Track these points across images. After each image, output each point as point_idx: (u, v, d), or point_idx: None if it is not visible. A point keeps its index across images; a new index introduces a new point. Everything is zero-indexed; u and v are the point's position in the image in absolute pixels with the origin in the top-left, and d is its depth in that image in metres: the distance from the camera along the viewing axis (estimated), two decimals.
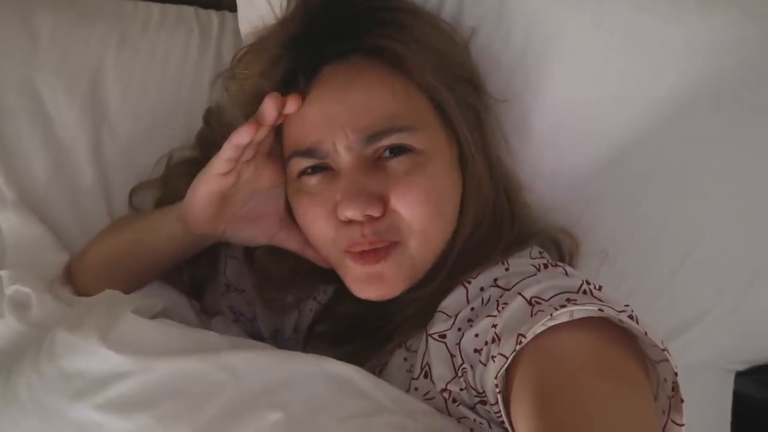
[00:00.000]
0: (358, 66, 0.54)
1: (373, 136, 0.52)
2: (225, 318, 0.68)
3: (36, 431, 0.47)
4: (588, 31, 0.62)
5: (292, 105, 0.52)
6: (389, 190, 0.53)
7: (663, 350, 0.43)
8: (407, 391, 0.54)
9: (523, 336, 0.43)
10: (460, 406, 0.50)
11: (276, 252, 0.64)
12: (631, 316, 0.43)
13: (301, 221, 0.58)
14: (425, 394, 0.53)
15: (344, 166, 0.53)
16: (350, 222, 0.53)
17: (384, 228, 0.53)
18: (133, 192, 0.71)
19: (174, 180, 0.68)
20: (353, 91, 0.53)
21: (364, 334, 0.61)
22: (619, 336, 0.44)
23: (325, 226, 0.55)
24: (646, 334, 0.43)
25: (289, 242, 0.62)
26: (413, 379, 0.55)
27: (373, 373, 0.57)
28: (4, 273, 0.62)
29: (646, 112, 0.62)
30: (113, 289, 0.57)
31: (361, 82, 0.53)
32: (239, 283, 0.70)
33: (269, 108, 0.52)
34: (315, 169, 0.55)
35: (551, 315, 0.43)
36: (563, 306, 0.44)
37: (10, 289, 0.60)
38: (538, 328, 0.43)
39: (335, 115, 0.53)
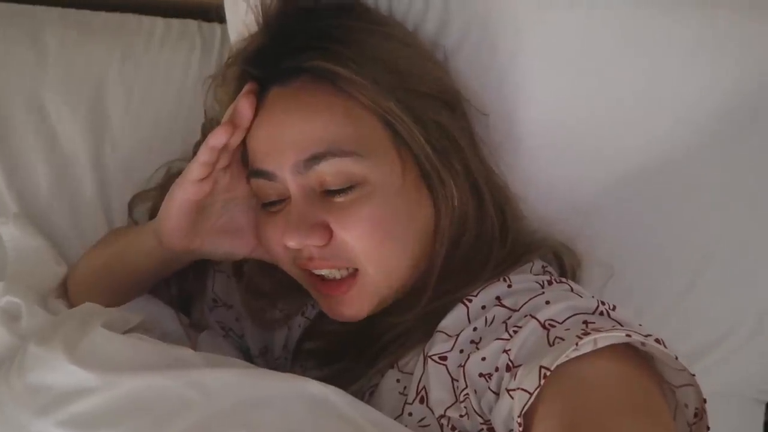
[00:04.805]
0: (302, 88, 0.53)
1: (311, 160, 0.51)
2: (213, 333, 0.67)
3: None
4: (580, 31, 0.58)
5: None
6: (331, 221, 0.52)
7: (693, 375, 0.42)
8: (400, 415, 0.52)
9: (547, 369, 0.41)
10: None
11: (264, 265, 0.63)
12: (657, 340, 0.42)
13: (261, 241, 0.58)
14: (420, 421, 0.50)
15: (292, 195, 0.53)
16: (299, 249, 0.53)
17: (333, 254, 0.53)
18: (131, 203, 0.71)
19: None
20: (292, 115, 0.52)
21: (352, 352, 0.59)
22: (640, 361, 0.43)
23: (278, 250, 0.55)
24: (676, 358, 0.41)
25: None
26: (407, 403, 0.52)
27: (363, 395, 0.55)
28: None
29: (648, 117, 0.58)
30: (98, 302, 0.56)
31: (300, 106, 0.52)
32: (227, 299, 0.69)
33: (245, 108, 0.52)
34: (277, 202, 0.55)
35: (576, 345, 0.41)
36: (584, 331, 0.42)
37: (2, 300, 0.61)
38: (561, 360, 0.41)
39: (277, 140, 0.53)
